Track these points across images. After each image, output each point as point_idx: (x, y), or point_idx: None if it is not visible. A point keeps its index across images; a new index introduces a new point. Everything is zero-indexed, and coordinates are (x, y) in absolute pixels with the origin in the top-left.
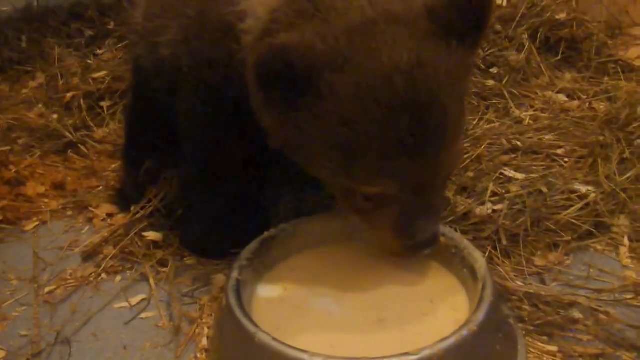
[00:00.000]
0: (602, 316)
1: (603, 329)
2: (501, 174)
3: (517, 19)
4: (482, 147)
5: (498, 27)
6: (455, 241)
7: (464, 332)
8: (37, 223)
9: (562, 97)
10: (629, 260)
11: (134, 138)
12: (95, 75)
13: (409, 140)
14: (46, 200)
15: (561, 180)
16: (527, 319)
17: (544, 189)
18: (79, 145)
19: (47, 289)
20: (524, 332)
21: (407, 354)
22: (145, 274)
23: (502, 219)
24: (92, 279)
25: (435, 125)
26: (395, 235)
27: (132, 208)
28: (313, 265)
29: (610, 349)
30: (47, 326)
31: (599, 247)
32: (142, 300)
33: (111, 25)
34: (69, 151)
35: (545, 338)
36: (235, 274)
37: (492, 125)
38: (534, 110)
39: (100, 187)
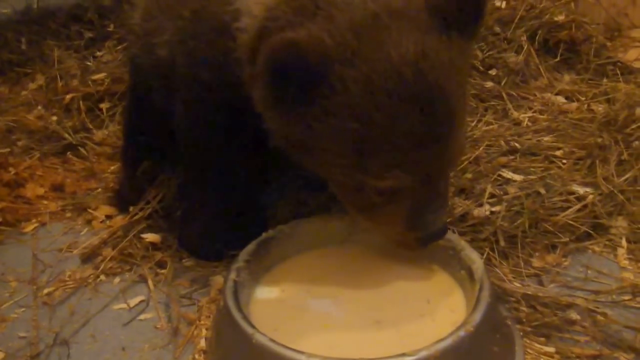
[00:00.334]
0: (599, 317)
1: (600, 330)
2: (499, 175)
3: (516, 20)
4: (481, 148)
5: (497, 29)
6: (452, 242)
7: (461, 333)
8: (36, 225)
9: (560, 99)
10: (627, 262)
11: (132, 139)
12: (95, 77)
13: (420, 131)
14: (45, 202)
15: (559, 181)
16: (524, 320)
17: (542, 191)
18: (78, 147)
19: (45, 291)
20: (521, 333)
21: (404, 354)
22: (143, 276)
23: (500, 221)
24: (90, 280)
25: (443, 114)
26: (407, 228)
27: (131, 209)
28: (311, 266)
29: (607, 350)
30: (45, 327)
31: (596, 249)
32: (141, 301)
33: (110, 27)
34: (68, 153)
35: (542, 339)
36: (232, 276)
37: (491, 127)
38: (533, 112)
39: (99, 189)
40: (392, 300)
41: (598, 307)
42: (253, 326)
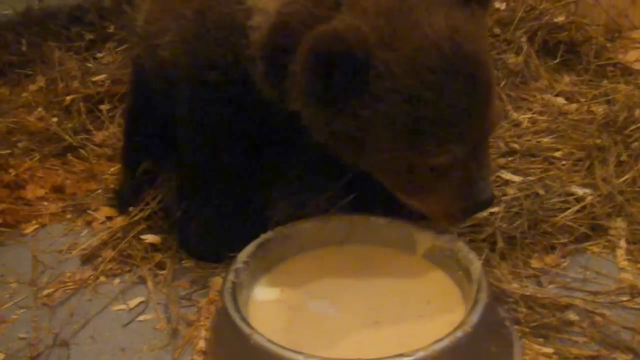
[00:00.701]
0: (598, 318)
1: (599, 331)
2: (498, 176)
3: (516, 22)
4: None
5: (496, 30)
6: (450, 243)
7: (458, 334)
8: (36, 226)
9: (560, 100)
10: (626, 263)
11: (132, 140)
12: (95, 79)
13: (465, 102)
14: (45, 204)
15: (558, 182)
16: (523, 321)
17: (541, 192)
18: (79, 148)
19: (45, 292)
20: (519, 334)
21: (401, 355)
22: (143, 277)
23: (499, 221)
24: (90, 281)
25: (481, 83)
26: (456, 199)
27: (131, 210)
28: (309, 267)
29: (605, 351)
30: (45, 329)
31: (595, 250)
32: (140, 302)
33: (111, 29)
34: (69, 154)
35: (541, 340)
36: (231, 277)
37: None
38: (532, 113)
39: (99, 190)
40: (390, 301)
41: (596, 308)
42: (251, 327)
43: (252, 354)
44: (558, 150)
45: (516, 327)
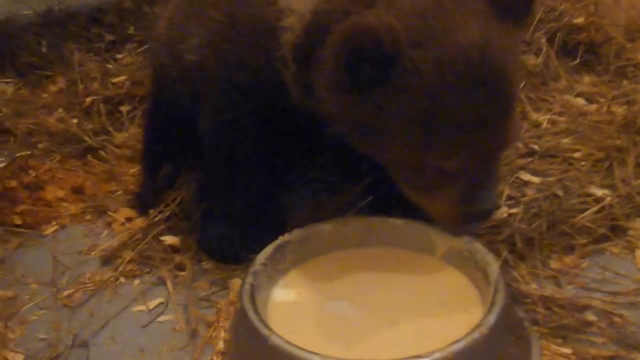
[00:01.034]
0: (616, 318)
1: (617, 331)
2: (517, 177)
3: (535, 23)
4: None
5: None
6: (468, 244)
7: (475, 335)
8: (56, 227)
9: (580, 101)
10: None
11: (152, 142)
12: (115, 80)
13: (484, 113)
14: (65, 205)
15: (577, 183)
16: (541, 321)
17: (560, 193)
18: (99, 149)
19: (65, 293)
20: (538, 335)
21: (418, 356)
22: (163, 278)
23: (517, 223)
24: (110, 282)
25: (504, 97)
26: (459, 203)
27: (151, 212)
28: (327, 269)
29: (623, 351)
30: (65, 329)
31: (614, 250)
32: (160, 303)
33: (131, 30)
34: (89, 156)
35: (559, 340)
36: (250, 279)
37: None
38: (552, 114)
39: (119, 192)
40: (408, 302)
41: (615, 309)
42: (269, 328)
43: (270, 355)
44: (577, 151)
45: (534, 327)
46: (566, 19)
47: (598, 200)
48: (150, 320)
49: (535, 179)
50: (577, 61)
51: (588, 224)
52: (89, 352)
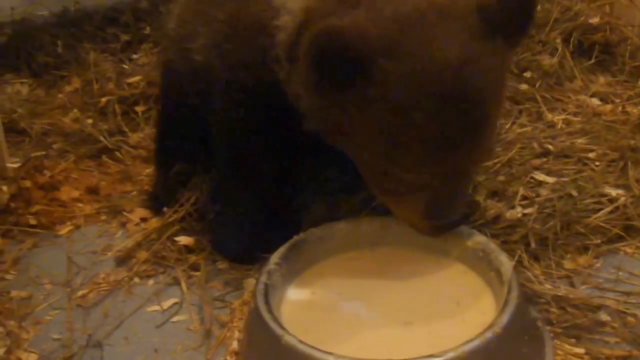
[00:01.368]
0: (629, 318)
1: (630, 331)
2: (532, 177)
3: (551, 23)
4: (513, 151)
5: (531, 31)
6: (482, 244)
7: (488, 335)
8: (71, 227)
9: (595, 101)
10: None
11: (165, 141)
12: (130, 80)
13: (452, 133)
14: (80, 205)
15: (591, 183)
16: (554, 321)
17: (574, 193)
18: (114, 150)
19: (80, 293)
20: (551, 335)
21: (431, 356)
22: (177, 278)
23: (532, 223)
24: (124, 282)
25: (476, 120)
26: (424, 217)
27: (165, 210)
28: (342, 269)
29: (636, 351)
30: (79, 330)
31: (628, 250)
32: (174, 304)
33: (147, 30)
34: (104, 156)
35: (573, 340)
36: (264, 278)
37: (525, 129)
38: (567, 114)
39: (134, 192)
40: (421, 302)
41: (628, 309)
42: (283, 327)
43: (283, 354)
44: (592, 151)
45: (548, 327)
46: (581, 19)
47: (612, 200)
48: (164, 320)
49: (550, 179)
50: (592, 61)
51: (602, 224)
52: (102, 352)
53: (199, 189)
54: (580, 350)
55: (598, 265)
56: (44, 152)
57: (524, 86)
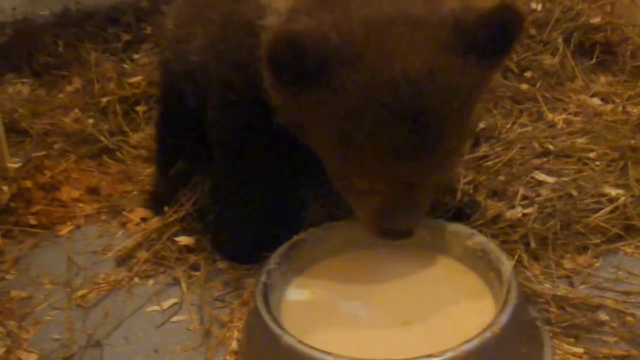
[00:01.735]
0: (628, 318)
1: (629, 331)
2: (532, 177)
3: (552, 23)
4: (514, 150)
5: (532, 31)
6: (481, 244)
7: (487, 334)
8: (71, 227)
9: (596, 101)
10: None
11: (165, 140)
12: (131, 80)
13: (404, 148)
14: (81, 205)
15: (591, 183)
16: (554, 321)
17: (574, 192)
18: (114, 150)
19: (80, 293)
20: (550, 334)
21: (430, 355)
22: (177, 278)
23: (531, 222)
24: (124, 282)
25: (432, 136)
26: (375, 216)
27: (165, 209)
28: (341, 269)
29: (635, 351)
30: (79, 329)
31: (628, 250)
32: (174, 304)
33: (148, 30)
34: (104, 156)
35: (571, 340)
36: (263, 278)
37: (526, 129)
38: (568, 114)
39: (135, 192)
40: (421, 301)
41: (627, 308)
42: (282, 327)
43: (282, 355)
44: (592, 151)
45: (547, 327)
46: (583, 18)
47: (612, 200)
48: (164, 320)
49: (550, 179)
50: (593, 61)
51: (602, 224)
52: (102, 352)
53: (200, 188)
54: (579, 350)
55: (597, 264)
56: (44, 152)
57: (524, 86)
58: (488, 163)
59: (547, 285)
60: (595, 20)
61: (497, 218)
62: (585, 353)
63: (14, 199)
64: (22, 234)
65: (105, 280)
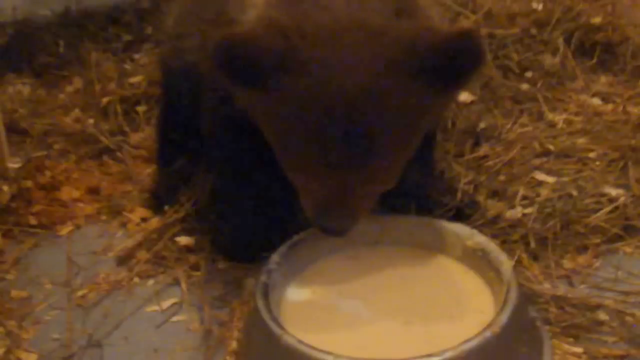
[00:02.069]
0: (628, 318)
1: (628, 331)
2: (532, 177)
3: (553, 23)
4: (515, 150)
5: (533, 31)
6: (481, 244)
7: (487, 334)
8: (71, 227)
9: (596, 101)
10: None
11: (165, 139)
12: (132, 80)
13: (333, 159)
14: (81, 205)
15: (591, 183)
16: (553, 321)
17: (574, 192)
18: (115, 150)
19: (79, 293)
20: (550, 334)
21: (430, 355)
22: (177, 278)
23: (531, 222)
24: (124, 283)
25: (362, 153)
26: (309, 211)
27: (166, 208)
28: (342, 268)
29: (634, 350)
30: (79, 330)
31: (628, 250)
32: (174, 304)
33: (149, 30)
34: (105, 156)
35: (571, 340)
36: (263, 278)
37: (526, 129)
38: (568, 114)
39: (135, 192)
40: (421, 301)
41: (627, 308)
42: (282, 327)
43: (283, 355)
44: (592, 151)
45: (547, 327)
46: (583, 18)
47: (612, 200)
48: (164, 320)
49: (550, 179)
50: (593, 61)
51: (602, 224)
52: (102, 352)
53: (200, 188)
54: (579, 350)
55: (597, 264)
56: (45, 152)
57: (525, 86)
58: (488, 163)
59: (547, 285)
60: (596, 20)
61: (497, 218)
62: (584, 353)
63: (14, 199)
64: (22, 234)
65: (105, 280)
